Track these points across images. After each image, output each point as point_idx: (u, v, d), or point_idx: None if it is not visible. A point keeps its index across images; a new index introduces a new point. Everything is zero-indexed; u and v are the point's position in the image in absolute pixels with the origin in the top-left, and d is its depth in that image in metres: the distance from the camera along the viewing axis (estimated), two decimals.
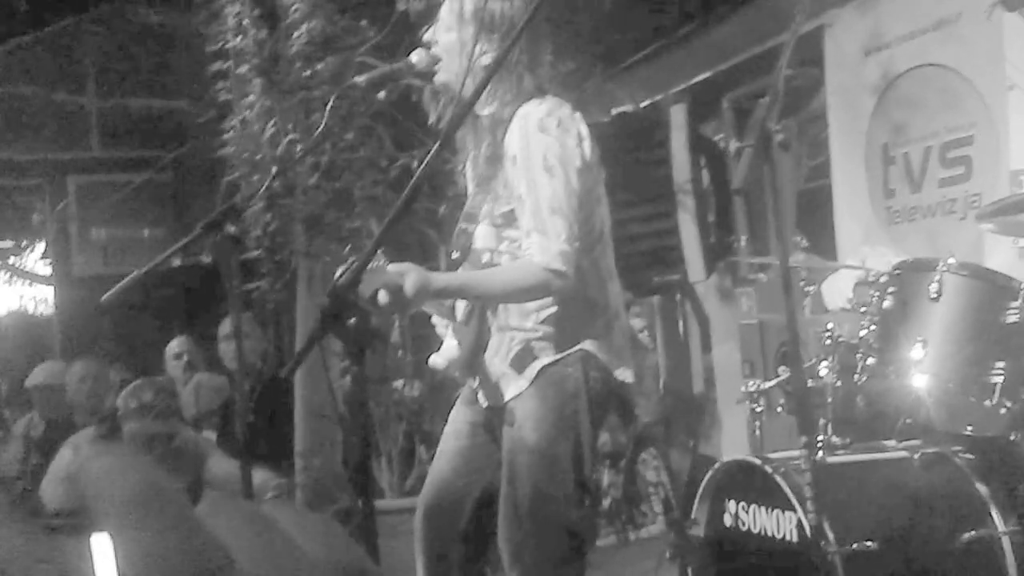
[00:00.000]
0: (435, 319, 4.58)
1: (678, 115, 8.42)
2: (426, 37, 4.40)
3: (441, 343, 4.58)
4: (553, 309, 4.26)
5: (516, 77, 4.25)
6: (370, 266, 3.94)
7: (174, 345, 9.24)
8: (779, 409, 6.38)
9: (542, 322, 4.27)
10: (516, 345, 4.29)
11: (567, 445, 4.25)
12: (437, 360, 4.52)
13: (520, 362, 4.29)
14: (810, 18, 7.28)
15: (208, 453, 6.85)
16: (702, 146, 8.68)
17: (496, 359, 4.35)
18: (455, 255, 4.39)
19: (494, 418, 4.43)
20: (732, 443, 8.69)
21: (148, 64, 12.84)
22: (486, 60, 4.21)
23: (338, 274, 3.37)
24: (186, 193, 12.74)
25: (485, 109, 4.30)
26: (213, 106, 7.90)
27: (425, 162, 3.51)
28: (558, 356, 4.26)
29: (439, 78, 4.36)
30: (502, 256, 4.33)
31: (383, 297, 3.92)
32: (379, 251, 3.65)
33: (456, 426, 4.61)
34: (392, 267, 3.96)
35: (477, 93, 3.79)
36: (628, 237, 8.30)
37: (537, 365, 4.26)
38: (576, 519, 4.33)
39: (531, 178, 4.13)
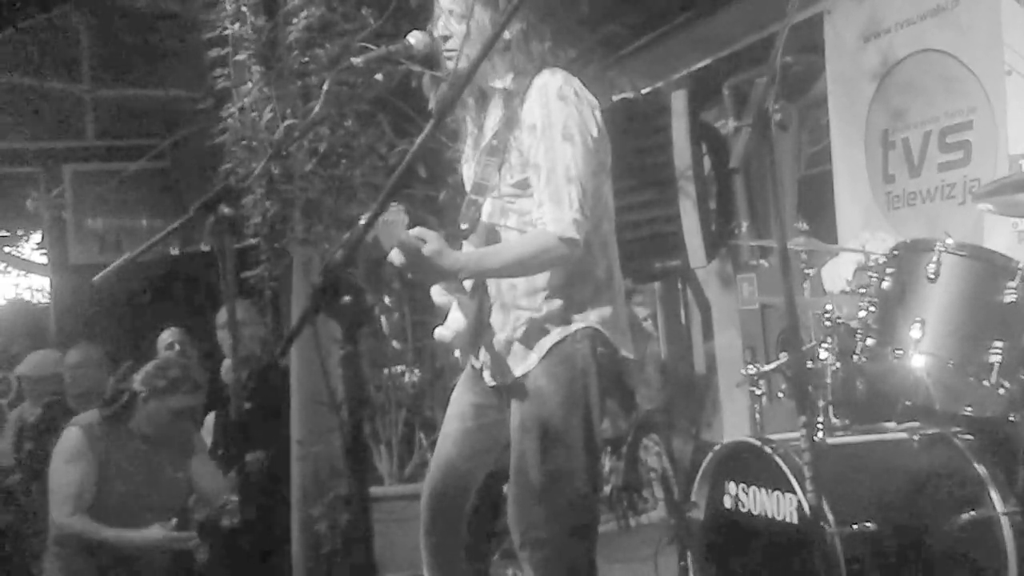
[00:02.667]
0: (435, 294, 4.57)
1: (679, 102, 8.42)
2: (438, 31, 4.40)
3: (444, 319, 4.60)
4: (560, 286, 4.31)
5: (529, 49, 4.33)
6: (389, 219, 3.97)
7: (166, 336, 9.23)
8: (780, 395, 6.41)
9: (549, 299, 4.31)
10: (523, 323, 4.34)
11: (577, 422, 4.29)
12: (443, 332, 4.49)
13: (527, 340, 4.33)
14: (809, 5, 7.32)
15: (196, 449, 6.90)
16: (703, 132, 8.68)
17: (503, 336, 4.39)
18: (464, 226, 4.40)
19: (501, 396, 4.45)
20: (733, 430, 8.71)
21: (144, 52, 12.75)
22: (505, 34, 4.28)
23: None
24: (183, 182, 12.71)
25: (498, 82, 4.37)
26: (211, 94, 7.88)
27: (420, 139, 3.44)
28: (565, 334, 4.30)
29: (456, 65, 4.37)
30: (508, 230, 4.37)
31: (397, 257, 4.03)
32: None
33: (460, 408, 4.63)
34: (415, 231, 4.02)
35: (471, 73, 3.82)
36: (629, 223, 8.26)
37: (545, 343, 4.31)
38: (587, 496, 4.35)
39: (550, 146, 4.19)
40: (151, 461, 6.50)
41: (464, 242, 4.45)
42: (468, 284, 4.49)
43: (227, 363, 8.78)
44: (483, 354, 4.50)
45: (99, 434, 6.44)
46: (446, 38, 4.36)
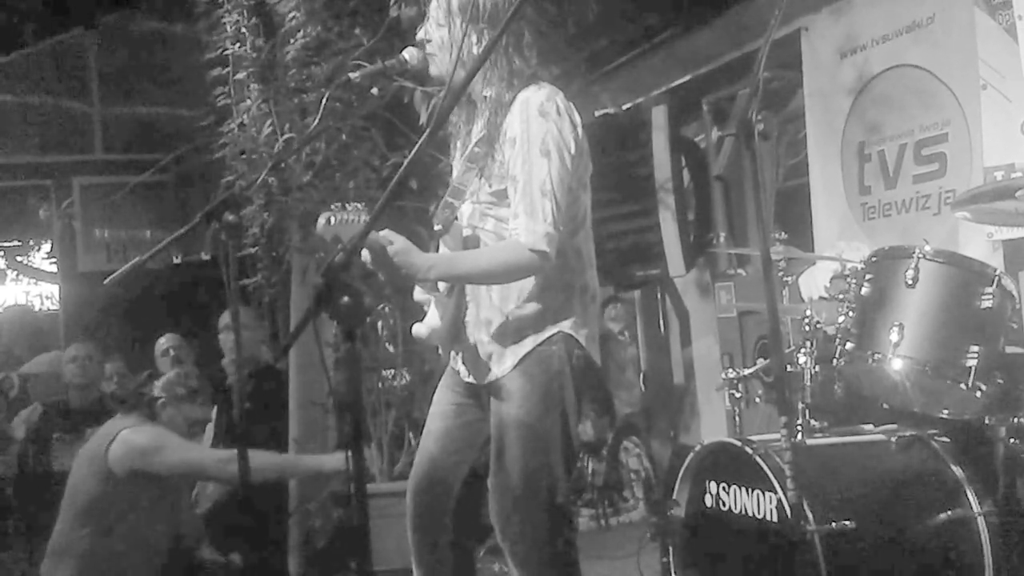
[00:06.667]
0: (416, 292, 4.50)
1: (659, 117, 8.37)
2: (419, 35, 4.39)
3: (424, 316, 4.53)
4: (535, 291, 4.24)
5: (508, 61, 4.24)
6: (348, 218, 3.98)
7: (163, 341, 9.23)
8: (757, 399, 6.35)
9: (523, 304, 4.24)
10: (497, 326, 4.27)
11: (554, 421, 4.21)
12: (420, 329, 4.45)
13: (502, 342, 4.27)
14: (787, 22, 7.23)
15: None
16: (682, 146, 8.63)
17: (478, 337, 4.33)
18: (438, 227, 4.32)
19: (480, 395, 4.40)
20: (711, 433, 8.70)
21: (150, 72, 13.10)
22: (476, 51, 4.23)
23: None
24: (186, 195, 12.79)
25: (484, 91, 4.28)
26: (212, 111, 7.87)
27: (416, 147, 3.45)
28: (541, 339, 4.23)
29: (433, 71, 4.34)
30: (486, 233, 4.30)
31: (365, 255, 3.99)
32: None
33: (441, 407, 4.57)
34: (383, 233, 4.00)
35: (465, 84, 3.78)
36: (610, 234, 8.24)
37: (520, 350, 4.24)
38: (564, 492, 4.28)
39: (528, 160, 4.11)
40: None
41: (441, 243, 4.39)
42: (444, 285, 4.42)
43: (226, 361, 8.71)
44: (461, 353, 4.45)
45: None
46: (427, 42, 4.33)
